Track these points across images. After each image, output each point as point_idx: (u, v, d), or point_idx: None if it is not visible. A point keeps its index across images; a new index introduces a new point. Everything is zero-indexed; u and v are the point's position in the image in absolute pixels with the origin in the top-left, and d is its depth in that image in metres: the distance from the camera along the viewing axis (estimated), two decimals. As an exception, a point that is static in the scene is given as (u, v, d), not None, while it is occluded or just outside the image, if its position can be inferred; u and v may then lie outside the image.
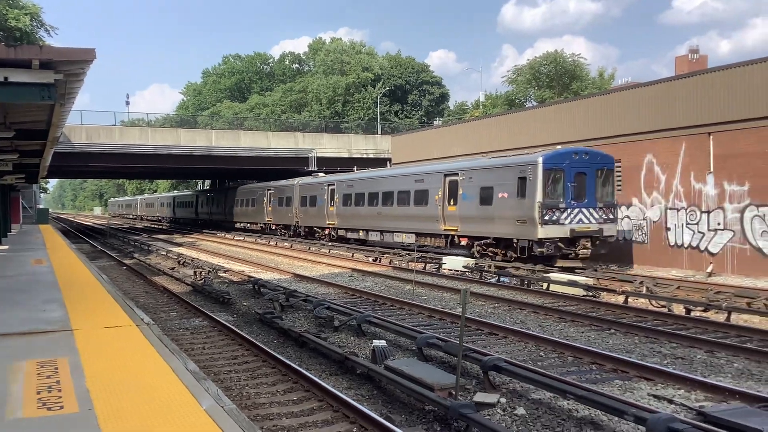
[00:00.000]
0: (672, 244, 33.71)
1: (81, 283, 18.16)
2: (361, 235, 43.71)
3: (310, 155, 63.07)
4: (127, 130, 60.98)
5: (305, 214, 53.60)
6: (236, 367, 14.24)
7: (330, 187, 49.03)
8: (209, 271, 29.32)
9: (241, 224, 69.18)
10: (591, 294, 23.94)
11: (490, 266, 29.73)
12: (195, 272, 28.83)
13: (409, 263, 32.97)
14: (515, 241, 30.61)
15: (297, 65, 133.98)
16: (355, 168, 57.73)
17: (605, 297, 23.73)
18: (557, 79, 74.68)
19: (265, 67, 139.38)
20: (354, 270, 31.28)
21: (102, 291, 16.70)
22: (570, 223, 29.65)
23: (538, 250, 29.41)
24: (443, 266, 31.59)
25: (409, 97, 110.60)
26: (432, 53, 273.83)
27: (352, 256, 38.11)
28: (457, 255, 34.48)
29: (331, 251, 41.40)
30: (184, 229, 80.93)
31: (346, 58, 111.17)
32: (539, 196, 29.46)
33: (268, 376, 13.58)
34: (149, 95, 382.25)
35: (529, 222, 29.65)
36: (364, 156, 65.69)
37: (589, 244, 29.97)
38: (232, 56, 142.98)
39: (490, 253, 32.18)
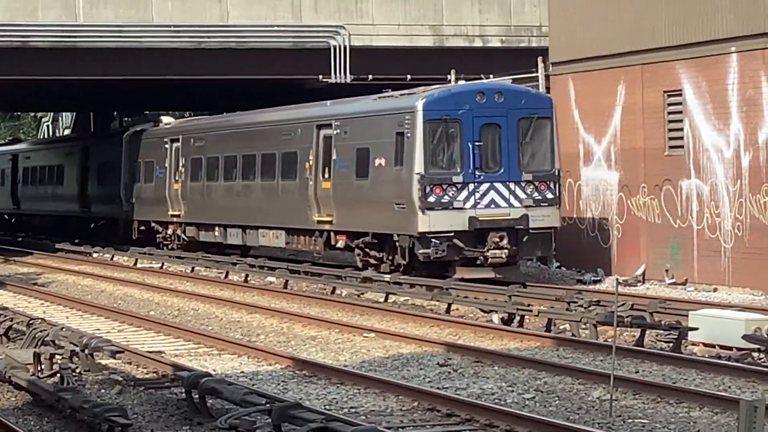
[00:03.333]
0: None
1: None
2: (217, 235, 39.42)
3: (332, 42, 40.38)
4: None
5: (139, 199, 45.01)
6: None
7: (174, 144, 42.58)
8: (74, 355, 20.60)
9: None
10: None
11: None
12: (38, 356, 19.92)
13: (597, 326, 24.06)
14: (396, 237, 29.58)
15: None
16: (450, 76, 37.75)
17: None
18: None
19: None
20: (451, 346, 21.28)
21: None
22: (472, 207, 28.92)
23: (422, 251, 28.38)
24: (689, 338, 22.63)
25: None
26: None
27: (447, 310, 26.94)
28: (726, 306, 24.16)
29: (391, 297, 29.08)
30: (4, 240, 56.04)
31: None
32: (419, 165, 28.71)
33: None
34: None
35: (408, 206, 28.88)
36: (476, 43, 41.69)
37: (505, 242, 28.66)
38: None
39: (372, 260, 30.90)
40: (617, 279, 26.80)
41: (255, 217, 37.27)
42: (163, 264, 39.39)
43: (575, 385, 17.50)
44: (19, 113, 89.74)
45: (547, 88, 33.71)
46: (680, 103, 30.17)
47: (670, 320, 22.50)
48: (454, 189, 29.02)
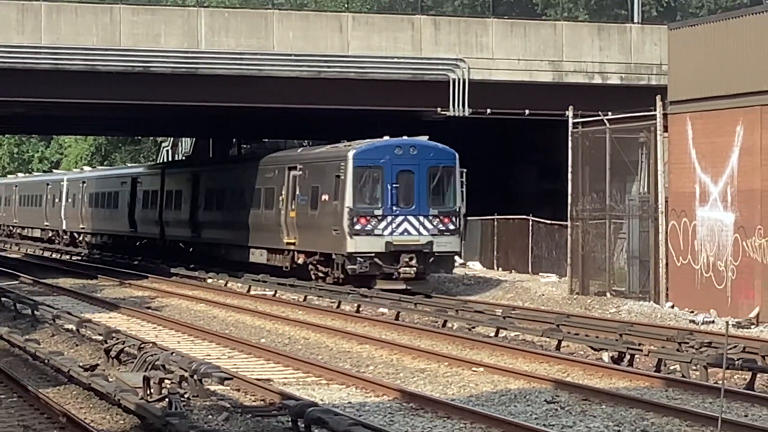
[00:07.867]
0: None
1: None
2: (223, 252, 48.21)
3: (452, 75, 39.51)
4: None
5: (167, 222, 54.10)
6: None
7: (194, 177, 51.01)
8: (183, 380, 18.57)
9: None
10: None
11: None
12: (148, 380, 18.28)
13: (708, 368, 22.07)
14: (333, 256, 36.22)
15: None
16: (568, 112, 35.66)
17: None
18: None
19: None
20: (560, 383, 19.94)
21: None
22: (389, 234, 35.29)
23: (350, 267, 34.90)
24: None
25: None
26: None
27: (558, 347, 25.35)
28: None
29: (502, 332, 27.83)
30: (122, 263, 55.73)
31: None
32: (349, 200, 35.35)
33: None
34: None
35: (341, 232, 35.38)
36: (595, 80, 40.99)
37: (414, 262, 35.03)
38: None
39: (321, 273, 37.37)
40: (727, 321, 25.11)
41: (248, 238, 44.20)
42: (276, 292, 38.36)
43: (683, 427, 16.37)
44: (139, 138, 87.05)
45: (665, 127, 32.67)
46: (799, 145, 27.96)
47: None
48: (375, 220, 35.51)
